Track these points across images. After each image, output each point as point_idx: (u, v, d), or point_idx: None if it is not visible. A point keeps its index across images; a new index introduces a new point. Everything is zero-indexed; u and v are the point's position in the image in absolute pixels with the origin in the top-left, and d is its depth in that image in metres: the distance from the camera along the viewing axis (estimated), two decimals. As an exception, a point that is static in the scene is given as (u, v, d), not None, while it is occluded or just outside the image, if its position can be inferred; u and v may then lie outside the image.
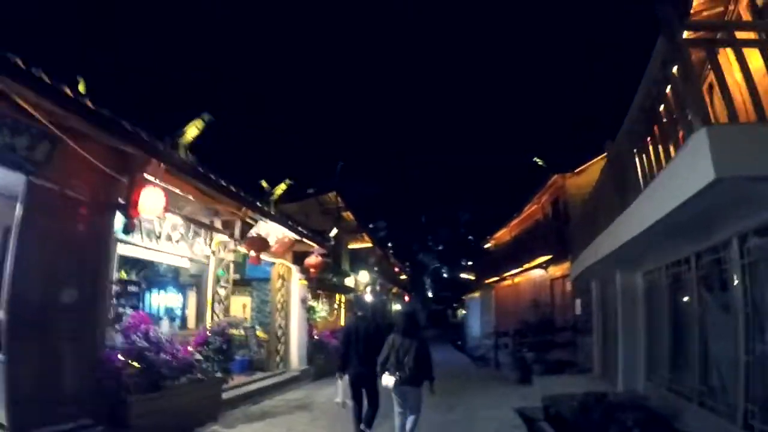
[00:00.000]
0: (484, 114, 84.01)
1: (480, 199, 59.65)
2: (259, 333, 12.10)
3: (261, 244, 8.91)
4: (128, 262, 10.96)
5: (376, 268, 28.26)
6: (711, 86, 5.40)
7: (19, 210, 5.50)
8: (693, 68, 4.58)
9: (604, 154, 15.86)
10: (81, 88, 6.06)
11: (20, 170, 5.41)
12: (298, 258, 12.50)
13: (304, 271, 12.46)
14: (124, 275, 10.90)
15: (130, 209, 6.11)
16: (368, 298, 23.76)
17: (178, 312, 11.70)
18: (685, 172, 4.36)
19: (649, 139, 6.04)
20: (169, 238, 8.21)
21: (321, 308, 15.86)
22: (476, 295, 34.10)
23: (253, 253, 8.85)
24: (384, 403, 6.79)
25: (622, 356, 9.42)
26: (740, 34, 5.03)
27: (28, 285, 5.55)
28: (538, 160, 17.16)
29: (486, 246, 33.45)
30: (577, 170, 16.47)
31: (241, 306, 15.35)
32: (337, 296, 18.62)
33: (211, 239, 9.04)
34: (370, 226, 27.08)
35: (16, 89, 4.83)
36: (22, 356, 5.42)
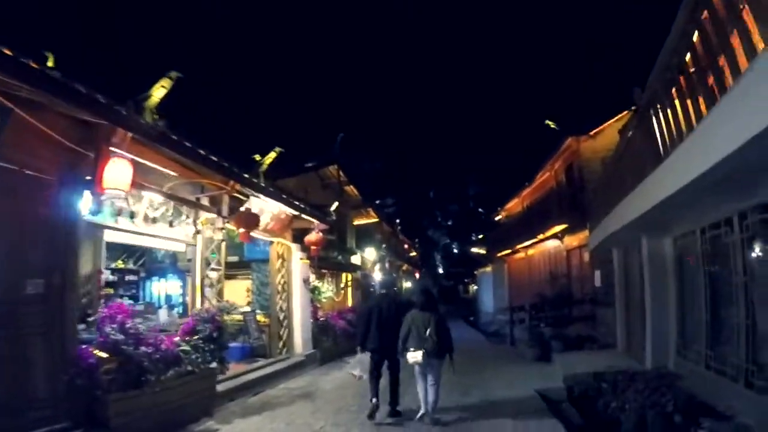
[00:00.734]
0: (489, 79, 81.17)
1: (489, 169, 58.56)
2: (260, 317, 11.53)
3: (250, 220, 8.24)
4: (126, 250, 10.48)
5: (384, 245, 27.68)
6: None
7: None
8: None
9: (622, 114, 15.23)
10: (50, 62, 5.47)
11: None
12: (299, 236, 11.85)
13: (305, 249, 11.81)
14: (121, 264, 10.42)
15: (95, 186, 5.48)
16: (377, 275, 23.21)
17: (179, 299, 11.25)
18: (750, 103, 3.62)
19: (687, 79, 5.30)
20: (152, 219, 7.59)
21: (326, 288, 15.28)
22: (488, 269, 33.64)
23: (242, 230, 8.19)
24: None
25: (650, 330, 8.77)
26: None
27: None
28: (550, 122, 16.28)
29: (497, 218, 32.78)
30: (593, 132, 15.62)
31: (242, 290, 14.84)
32: (343, 275, 18.02)
33: (197, 217, 8.40)
34: (377, 202, 26.36)
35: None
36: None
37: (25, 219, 5.56)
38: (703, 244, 7.06)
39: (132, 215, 6.89)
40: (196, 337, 7.17)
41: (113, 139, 5.74)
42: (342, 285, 17.95)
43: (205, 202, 8.46)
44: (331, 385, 9.98)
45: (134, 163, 5.90)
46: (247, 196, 8.77)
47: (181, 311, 9.73)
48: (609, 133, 15.42)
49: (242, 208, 8.24)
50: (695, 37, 5.12)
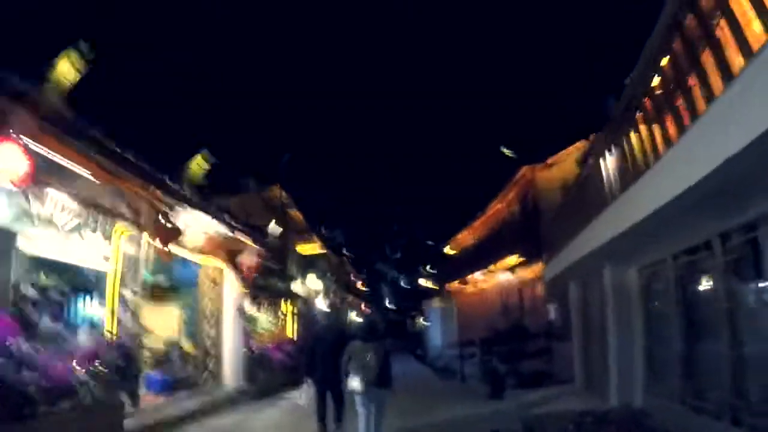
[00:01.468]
0: (443, 105, 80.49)
1: (439, 201, 58.70)
2: (186, 346, 10.41)
3: (170, 232, 7.25)
4: (48, 266, 9.08)
5: (330, 275, 26.70)
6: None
7: None
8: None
9: (579, 143, 15.13)
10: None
11: None
12: (234, 258, 10.85)
13: (239, 272, 10.79)
14: (45, 280, 9.06)
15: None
16: (322, 306, 22.16)
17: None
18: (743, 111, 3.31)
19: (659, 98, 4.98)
20: (63, 227, 6.54)
21: (264, 318, 14.16)
22: (436, 303, 33.12)
23: (159, 244, 7.19)
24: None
25: (614, 365, 8.29)
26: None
27: None
28: (505, 150, 16.03)
29: (447, 251, 32.41)
30: (549, 161, 15.43)
31: (173, 317, 13.56)
32: (284, 304, 16.93)
33: (112, 229, 7.36)
34: (322, 231, 25.42)
35: None
36: None
37: None
38: (676, 271, 6.62)
39: (36, 219, 5.84)
40: (98, 365, 6.08)
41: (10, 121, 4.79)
42: (282, 315, 16.83)
43: (125, 211, 7.43)
44: (265, 423, 8.95)
45: (36, 155, 4.98)
46: (173, 208, 7.80)
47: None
48: (566, 162, 15.27)
49: (161, 219, 7.20)
50: (664, 62, 4.93)
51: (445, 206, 50.68)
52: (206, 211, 8.34)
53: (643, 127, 5.91)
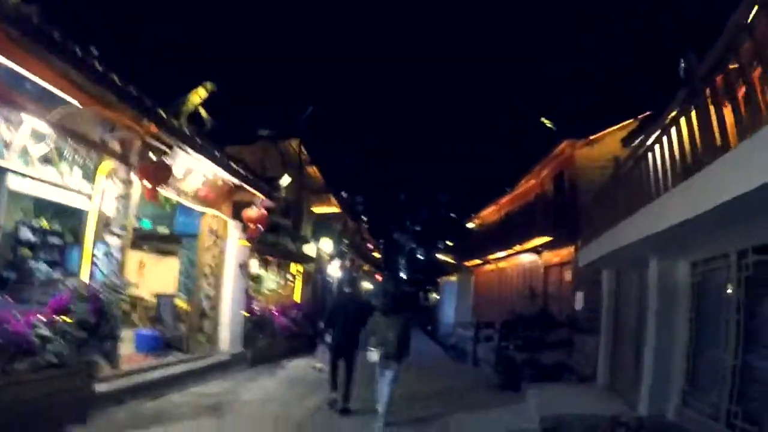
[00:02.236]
0: (480, 74, 77.50)
1: (467, 174, 57.26)
2: (181, 303, 9.84)
3: (160, 172, 6.50)
4: (48, 208, 8.47)
5: (346, 241, 26.10)
6: None
7: None
8: None
9: (626, 122, 14.06)
10: None
11: None
12: (240, 211, 10.12)
13: (244, 226, 10.09)
14: (45, 224, 8.49)
15: None
16: (335, 271, 21.62)
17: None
18: None
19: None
20: (43, 159, 5.89)
21: (270, 278, 13.59)
22: (453, 278, 32.41)
23: (147, 184, 6.48)
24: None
25: (649, 369, 7.45)
26: None
27: None
28: (546, 120, 14.98)
29: (470, 226, 31.54)
30: (592, 137, 14.37)
31: (172, 271, 13.02)
32: (293, 266, 16.33)
33: (98, 164, 6.68)
34: (342, 193, 24.65)
35: None
36: None
37: None
38: (741, 270, 5.74)
39: (7, 148, 5.17)
40: (66, 319, 5.46)
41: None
42: (291, 277, 16.26)
43: (113, 145, 6.72)
44: (255, 396, 8.37)
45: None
46: (172, 148, 7.06)
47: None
48: (608, 141, 14.26)
49: (153, 157, 6.45)
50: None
51: (473, 179, 49.08)
52: (208, 156, 7.57)
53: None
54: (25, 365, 5.04)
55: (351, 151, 54.05)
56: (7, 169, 5.66)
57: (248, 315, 11.30)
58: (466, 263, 26.71)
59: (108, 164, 6.84)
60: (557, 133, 14.90)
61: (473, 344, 15.72)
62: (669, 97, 9.02)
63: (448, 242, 42.96)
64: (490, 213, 26.56)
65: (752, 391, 5.31)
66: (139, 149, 6.72)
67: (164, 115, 6.48)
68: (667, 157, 6.48)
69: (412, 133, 79.52)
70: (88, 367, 5.94)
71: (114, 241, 6.84)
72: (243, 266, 10.65)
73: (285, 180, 10.65)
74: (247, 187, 9.34)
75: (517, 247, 18.36)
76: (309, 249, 17.48)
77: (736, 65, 4.56)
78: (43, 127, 5.77)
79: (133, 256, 13.11)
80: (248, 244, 10.70)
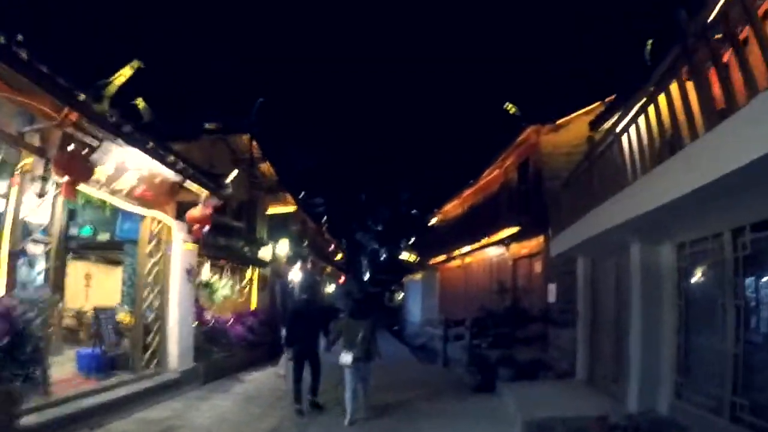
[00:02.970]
0: (441, 66, 77.05)
1: (428, 170, 56.72)
2: (123, 316, 9.00)
3: (80, 165, 5.71)
4: None
5: (306, 243, 25.32)
6: None
7: None
8: None
9: (593, 105, 13.79)
10: None
11: None
12: (184, 212, 9.32)
13: (188, 227, 9.27)
14: None
15: None
16: (295, 275, 20.84)
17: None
18: None
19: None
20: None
21: (223, 284, 12.74)
22: (417, 277, 32.12)
23: (64, 178, 5.66)
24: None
25: (636, 361, 7.08)
26: None
27: None
28: (510, 106, 14.56)
29: (431, 222, 31.16)
30: (558, 122, 14.04)
31: (111, 281, 12.08)
32: (248, 271, 15.50)
33: (16, 160, 5.84)
34: (301, 194, 23.81)
35: None
36: None
37: None
38: (736, 251, 5.36)
39: None
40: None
41: None
42: (246, 283, 15.43)
43: (30, 137, 5.88)
44: (207, 418, 7.61)
45: None
46: (101, 140, 6.26)
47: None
48: (575, 126, 13.98)
49: (74, 151, 5.62)
50: None
51: (435, 174, 48.51)
52: (138, 146, 6.76)
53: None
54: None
55: (309, 147, 53.24)
56: None
57: (199, 325, 10.50)
58: (431, 261, 26.32)
59: (28, 161, 6.02)
60: (522, 119, 14.48)
61: (443, 343, 15.24)
62: (636, 79, 8.74)
63: (411, 240, 42.54)
64: (453, 207, 26.20)
65: (759, 381, 4.92)
66: (59, 142, 5.89)
67: (85, 100, 5.67)
68: (647, 136, 6.10)
69: (370, 130, 78.26)
70: (8, 397, 5.12)
71: (36, 249, 6.02)
72: (190, 272, 9.84)
73: (232, 174, 9.88)
74: (190, 184, 8.56)
75: (484, 241, 18.00)
76: (265, 252, 16.67)
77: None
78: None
79: (78, 267, 12.28)
80: (194, 247, 9.89)
